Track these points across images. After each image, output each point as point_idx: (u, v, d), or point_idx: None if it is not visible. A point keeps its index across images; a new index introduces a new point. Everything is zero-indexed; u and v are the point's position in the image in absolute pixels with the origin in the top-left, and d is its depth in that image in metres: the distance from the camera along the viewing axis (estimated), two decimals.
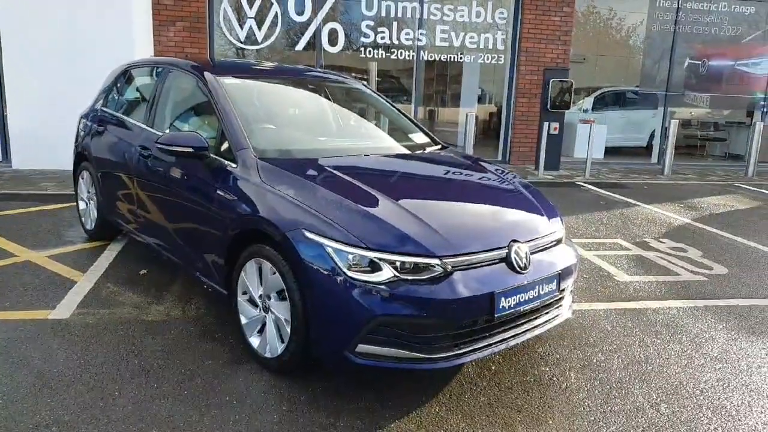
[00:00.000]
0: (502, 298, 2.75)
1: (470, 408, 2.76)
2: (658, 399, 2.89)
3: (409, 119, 4.47)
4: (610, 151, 12.20)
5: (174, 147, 3.31)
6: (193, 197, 3.44)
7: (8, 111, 8.42)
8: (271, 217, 2.89)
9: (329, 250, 2.63)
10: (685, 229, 6.49)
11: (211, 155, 3.35)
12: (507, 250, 2.86)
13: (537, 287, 2.92)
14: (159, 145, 3.36)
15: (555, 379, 3.07)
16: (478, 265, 2.76)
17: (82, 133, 5.12)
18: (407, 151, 3.99)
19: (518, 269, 2.84)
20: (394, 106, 4.53)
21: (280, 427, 2.54)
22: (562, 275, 3.08)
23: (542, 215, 3.29)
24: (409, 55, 10.54)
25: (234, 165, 3.24)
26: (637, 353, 3.38)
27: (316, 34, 10.15)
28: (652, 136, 12.82)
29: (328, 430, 2.53)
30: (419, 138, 4.26)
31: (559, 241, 3.24)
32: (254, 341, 3.06)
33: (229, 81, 3.79)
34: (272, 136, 3.62)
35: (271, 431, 2.51)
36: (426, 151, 4.07)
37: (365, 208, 2.84)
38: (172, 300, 3.86)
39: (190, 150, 3.30)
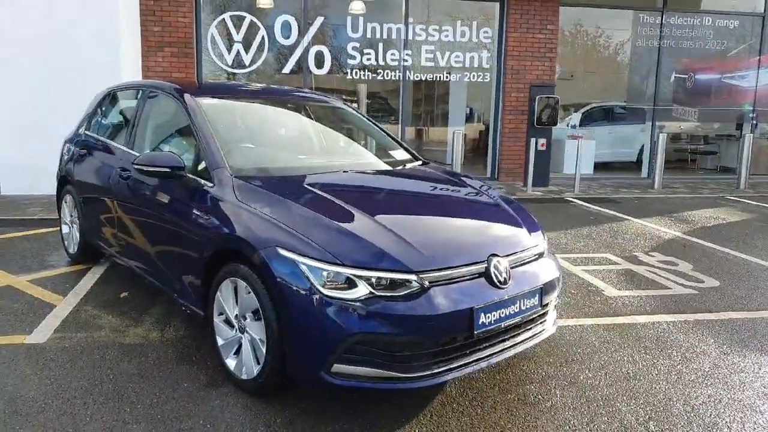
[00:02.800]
0: (482, 314, 2.70)
1: (452, 429, 2.68)
2: (647, 417, 2.82)
3: (390, 137, 4.45)
4: (599, 167, 12.21)
5: (150, 167, 3.27)
6: (171, 218, 3.39)
7: None
8: (245, 235, 2.85)
9: (303, 267, 2.58)
10: (676, 242, 6.46)
11: (188, 175, 3.32)
12: (486, 264, 2.81)
13: (518, 302, 2.87)
14: (136, 166, 3.32)
15: (540, 397, 2.99)
16: (457, 280, 2.71)
17: (65, 158, 5.09)
18: (387, 167, 3.97)
19: (498, 284, 2.80)
20: (375, 124, 4.52)
21: None
22: (545, 289, 3.03)
23: (522, 228, 3.25)
24: (395, 76, 10.61)
25: (210, 184, 3.20)
26: (625, 369, 3.31)
27: (303, 57, 10.21)
28: (641, 151, 12.86)
29: None
30: (400, 154, 4.24)
31: (541, 255, 3.20)
32: (231, 363, 2.99)
33: (207, 101, 3.77)
34: (250, 155, 3.59)
35: None
36: (406, 167, 4.04)
37: (341, 224, 2.80)
38: (151, 322, 3.78)
39: (167, 170, 3.26)
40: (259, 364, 2.80)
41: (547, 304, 3.14)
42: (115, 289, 4.38)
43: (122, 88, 4.82)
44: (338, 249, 2.63)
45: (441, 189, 3.71)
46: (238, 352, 2.96)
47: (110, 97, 4.86)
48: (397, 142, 4.41)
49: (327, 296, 2.52)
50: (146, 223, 3.70)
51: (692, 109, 12.29)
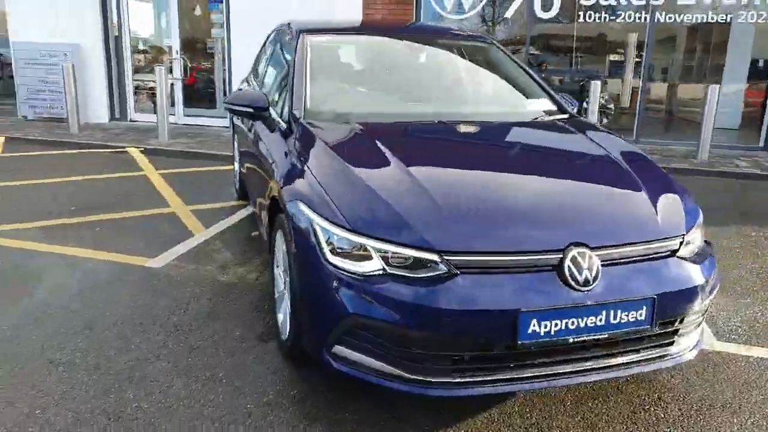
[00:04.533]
0: (535, 320, 2.00)
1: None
2: None
3: (540, 84, 3.64)
4: None
5: (236, 106, 3.16)
6: (257, 157, 3.30)
7: (233, 81, 9.45)
8: (283, 183, 2.56)
9: (316, 227, 2.21)
10: None
11: (272, 115, 3.14)
12: (561, 256, 2.07)
13: (606, 312, 2.07)
14: (225, 104, 3.25)
15: None
16: (504, 269, 2.05)
17: None
18: (499, 120, 3.24)
19: (573, 284, 2.04)
20: (524, 69, 3.74)
21: (251, 418, 2.24)
22: (663, 302, 2.15)
23: (648, 213, 2.34)
24: (640, 18, 8.85)
25: (284, 126, 2.98)
26: None
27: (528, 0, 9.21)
28: None
29: None
30: (539, 105, 3.44)
31: (673, 253, 2.27)
32: (279, 318, 2.79)
33: (318, 39, 3.52)
34: (339, 98, 3.28)
35: (237, 419, 2.23)
36: (536, 120, 3.28)
37: (369, 182, 2.32)
38: (257, 264, 3.79)
39: (250, 110, 3.12)
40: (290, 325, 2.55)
41: (669, 322, 2.24)
42: (251, 229, 4.53)
43: (275, 30, 4.83)
44: (354, 211, 2.18)
45: (549, 149, 2.94)
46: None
47: (266, 40, 4.92)
48: (545, 90, 3.59)
49: (333, 264, 2.12)
50: (250, 162, 3.69)
51: None
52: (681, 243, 2.30)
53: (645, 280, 2.17)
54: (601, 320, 2.08)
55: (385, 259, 2.06)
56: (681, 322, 2.30)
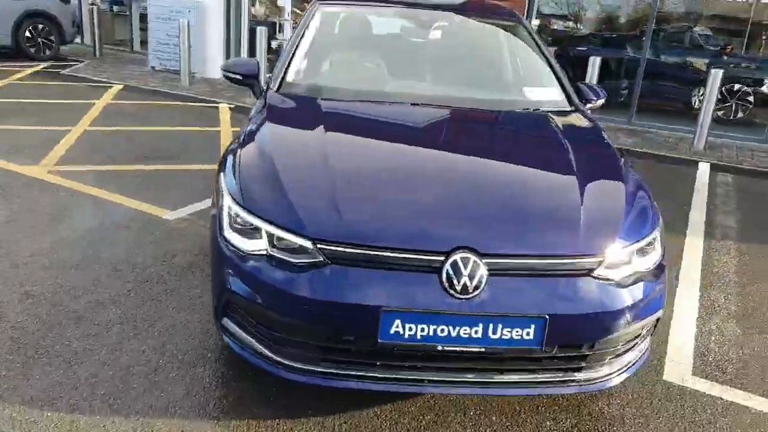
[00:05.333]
0: (398, 321, 1.89)
1: None
2: None
3: (554, 71, 3.27)
4: None
5: (228, 72, 3.24)
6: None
7: None
8: (223, 153, 2.62)
9: (223, 201, 2.24)
10: None
11: (260, 83, 3.19)
12: (443, 259, 1.93)
13: (483, 325, 1.91)
14: (221, 69, 3.34)
15: None
16: (379, 265, 1.94)
17: None
18: (482, 106, 2.98)
19: (449, 290, 1.90)
20: (544, 53, 3.39)
21: (157, 373, 2.40)
22: (557, 324, 1.92)
23: (572, 224, 2.08)
24: None
25: (259, 94, 3.04)
26: None
27: None
28: None
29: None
30: (542, 94, 3.13)
31: (588, 272, 2.01)
32: None
33: (331, 10, 3.49)
34: (317, 71, 3.22)
35: (146, 371, 2.39)
36: (514, 109, 3.00)
37: (280, 163, 2.28)
38: None
39: (239, 76, 3.19)
40: None
41: (573, 346, 2.01)
42: None
43: None
44: (251, 189, 2.18)
45: (503, 143, 2.73)
46: None
47: None
48: (557, 77, 3.24)
49: (225, 238, 2.15)
50: None
51: None
52: (600, 262, 2.02)
53: (539, 298, 1.94)
54: (477, 332, 1.91)
55: (271, 240, 2.05)
56: (591, 348, 2.05)
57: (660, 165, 6.65)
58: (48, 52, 10.84)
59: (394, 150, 2.57)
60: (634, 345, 2.21)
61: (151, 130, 6.45)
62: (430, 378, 2.01)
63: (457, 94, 3.06)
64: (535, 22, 9.13)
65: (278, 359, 2.06)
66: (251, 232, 2.08)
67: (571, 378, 2.08)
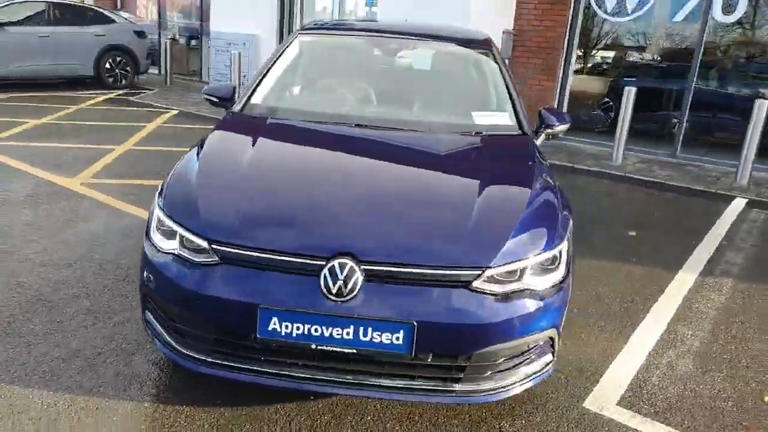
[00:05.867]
0: (275, 319, 2.06)
1: None
2: None
3: (511, 97, 3.38)
4: None
5: (206, 95, 3.54)
6: None
7: None
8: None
9: (153, 205, 2.51)
10: None
11: (231, 107, 3.48)
12: (323, 263, 2.08)
13: (354, 327, 2.04)
14: (203, 93, 3.65)
15: None
16: (262, 266, 2.12)
17: None
18: (427, 129, 3.10)
19: (326, 292, 2.05)
20: (506, 79, 3.48)
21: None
22: (426, 331, 2.03)
23: (456, 238, 2.18)
24: None
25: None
26: None
27: (705, 1, 8.06)
28: None
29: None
30: (494, 119, 3.23)
31: (465, 284, 2.09)
32: None
33: (308, 39, 3.77)
34: (279, 94, 3.48)
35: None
36: (455, 132, 3.10)
37: (202, 173, 2.54)
38: None
39: (215, 99, 3.49)
40: None
41: (448, 356, 2.10)
42: None
43: None
44: (172, 195, 2.44)
45: (423, 162, 2.82)
46: None
47: None
48: (513, 105, 3.33)
49: (150, 239, 2.39)
50: None
51: None
52: (478, 275, 2.10)
53: (410, 305, 2.05)
54: (348, 334, 2.04)
55: (181, 241, 2.27)
56: (469, 359, 2.12)
57: (689, 199, 6.42)
58: (124, 82, 11.88)
59: (309, 164, 2.76)
60: (523, 362, 2.25)
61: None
62: (311, 376, 2.14)
63: (405, 117, 3.23)
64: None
65: (181, 350, 2.26)
66: (170, 233, 2.31)
67: (450, 388, 2.15)
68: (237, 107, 3.28)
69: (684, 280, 4.09)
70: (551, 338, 2.28)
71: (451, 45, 3.81)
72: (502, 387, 2.21)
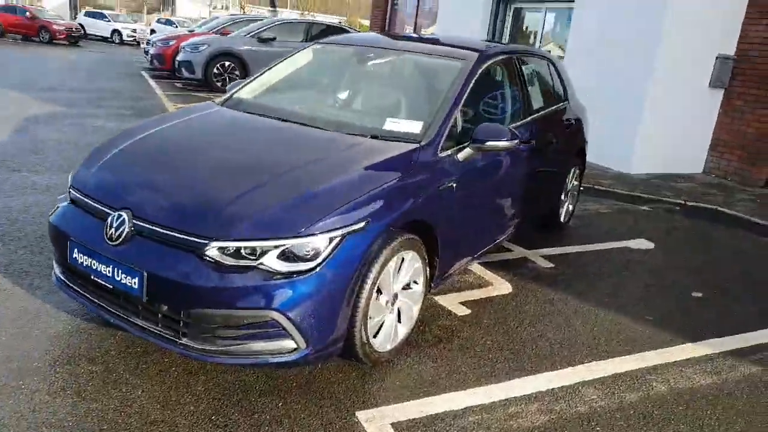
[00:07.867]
0: (75, 249, 2.65)
1: None
2: None
3: (442, 108, 3.27)
4: None
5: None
6: None
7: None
8: None
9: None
10: None
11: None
12: (112, 212, 2.59)
13: (113, 267, 2.52)
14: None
15: None
16: (85, 208, 2.74)
17: None
18: (338, 128, 3.20)
19: (105, 235, 2.56)
20: (453, 93, 3.35)
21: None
22: (154, 282, 2.40)
23: (209, 212, 2.47)
24: None
25: None
26: None
27: None
28: None
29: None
30: (401, 126, 3.19)
31: (195, 250, 2.38)
32: None
33: (317, 48, 4.22)
34: (261, 91, 3.87)
35: None
36: (353, 133, 3.15)
37: (116, 140, 3.16)
38: None
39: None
40: None
41: (171, 309, 2.42)
42: None
43: None
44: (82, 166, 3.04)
45: (290, 153, 2.96)
46: None
47: None
48: (446, 116, 3.22)
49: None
50: None
51: None
52: (206, 245, 2.36)
53: (148, 257, 2.43)
54: (108, 272, 2.51)
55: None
56: (189, 317, 2.38)
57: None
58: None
59: (184, 142, 3.16)
60: (249, 336, 2.39)
61: None
62: (101, 304, 2.65)
63: (327, 117, 3.43)
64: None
65: (55, 272, 2.89)
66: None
67: (177, 340, 2.45)
68: (219, 100, 3.82)
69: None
70: (275, 320, 2.34)
71: (432, 58, 3.84)
72: (224, 352, 2.40)
